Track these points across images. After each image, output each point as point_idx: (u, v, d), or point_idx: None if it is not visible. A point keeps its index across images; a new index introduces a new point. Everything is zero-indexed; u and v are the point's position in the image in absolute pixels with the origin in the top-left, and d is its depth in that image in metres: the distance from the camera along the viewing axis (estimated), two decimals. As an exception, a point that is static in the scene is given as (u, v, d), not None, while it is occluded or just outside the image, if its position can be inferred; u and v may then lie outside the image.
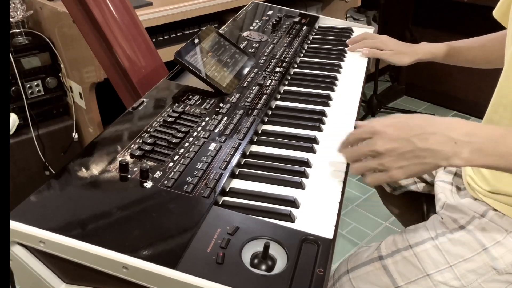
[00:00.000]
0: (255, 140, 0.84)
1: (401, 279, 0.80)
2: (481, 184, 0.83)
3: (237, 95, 0.94)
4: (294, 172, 0.76)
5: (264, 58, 1.12)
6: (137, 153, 0.72)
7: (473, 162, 0.62)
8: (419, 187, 1.17)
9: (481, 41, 1.11)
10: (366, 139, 0.69)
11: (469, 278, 0.78)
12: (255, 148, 0.83)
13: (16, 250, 0.59)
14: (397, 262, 0.82)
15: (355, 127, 0.75)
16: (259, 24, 1.34)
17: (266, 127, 0.90)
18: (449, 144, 0.62)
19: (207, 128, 0.81)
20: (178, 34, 1.72)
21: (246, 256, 0.58)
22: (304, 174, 0.75)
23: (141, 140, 0.76)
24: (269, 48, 1.18)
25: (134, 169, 0.69)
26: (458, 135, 0.63)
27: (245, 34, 1.24)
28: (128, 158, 0.72)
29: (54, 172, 1.77)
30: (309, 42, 1.32)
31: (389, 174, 0.67)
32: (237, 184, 0.74)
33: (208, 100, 0.90)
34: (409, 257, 0.81)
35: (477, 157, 0.62)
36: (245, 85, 0.99)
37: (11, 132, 1.45)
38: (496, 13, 0.94)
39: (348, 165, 0.80)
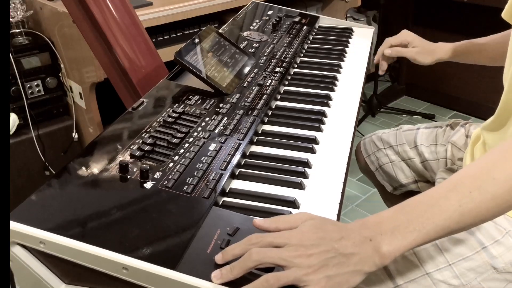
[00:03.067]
0: (255, 141, 0.84)
1: (401, 278, 0.80)
2: None
3: (237, 95, 0.94)
4: (294, 173, 0.76)
5: (264, 58, 1.12)
6: (137, 153, 0.72)
7: (393, 254, 0.56)
8: (420, 186, 1.17)
9: (499, 39, 1.09)
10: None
11: (468, 276, 0.78)
12: (255, 149, 0.83)
13: (16, 251, 0.59)
14: (397, 261, 0.82)
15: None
16: (259, 24, 1.34)
17: (266, 127, 0.90)
18: (365, 243, 0.56)
19: (207, 129, 0.81)
20: (178, 34, 1.72)
21: (246, 257, 0.58)
22: (304, 175, 0.75)
23: (141, 140, 0.76)
24: (269, 48, 1.18)
25: (134, 170, 0.69)
26: (370, 231, 0.57)
27: (245, 34, 1.24)
28: (128, 159, 0.72)
29: (54, 172, 1.77)
30: (309, 42, 1.32)
31: (307, 281, 0.53)
32: (237, 184, 0.73)
33: (208, 100, 0.90)
34: (408, 256, 0.81)
35: (394, 246, 0.56)
36: (245, 85, 0.99)
37: (11, 132, 1.46)
38: (505, 15, 0.93)
39: (348, 165, 0.80)
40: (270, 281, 0.52)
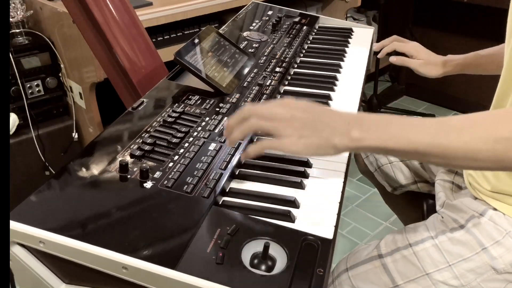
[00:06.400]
0: (255, 140, 0.84)
1: (400, 278, 0.80)
2: (482, 183, 0.83)
3: (237, 95, 0.94)
4: (294, 172, 0.76)
5: (264, 58, 1.12)
6: (137, 153, 0.72)
7: (362, 141, 0.63)
8: (420, 186, 1.17)
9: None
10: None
11: (468, 277, 0.78)
12: (255, 148, 0.82)
13: (16, 251, 0.59)
14: (397, 260, 0.82)
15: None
16: (259, 24, 1.34)
17: (266, 127, 0.90)
18: (343, 123, 0.64)
19: (207, 128, 0.81)
20: (178, 34, 1.72)
21: (246, 256, 0.58)
22: (304, 174, 0.75)
23: (141, 140, 0.76)
24: (269, 48, 1.18)
25: (134, 169, 0.69)
26: (351, 118, 0.65)
27: (245, 34, 1.24)
28: (128, 158, 0.72)
29: (54, 172, 1.77)
30: (309, 42, 1.32)
31: (284, 141, 0.64)
32: (237, 184, 0.74)
33: (208, 100, 0.90)
34: (408, 256, 0.81)
35: (366, 136, 0.63)
36: (245, 85, 0.99)
37: (11, 132, 1.46)
38: None
39: (348, 165, 0.80)
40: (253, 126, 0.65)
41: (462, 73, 1.16)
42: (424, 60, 1.17)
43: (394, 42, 1.22)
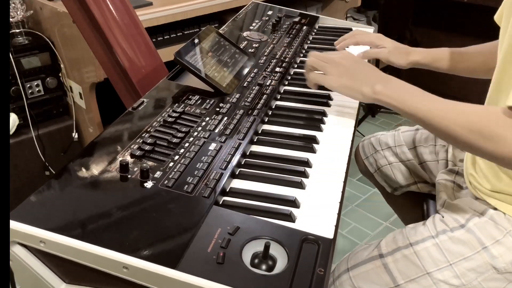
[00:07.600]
0: (255, 140, 0.84)
1: (401, 277, 0.81)
2: (483, 182, 0.83)
3: (237, 95, 0.94)
4: (294, 172, 0.76)
5: (264, 58, 1.12)
6: (137, 153, 0.72)
7: (379, 95, 0.81)
8: (419, 187, 1.17)
9: (480, 48, 1.05)
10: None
11: (469, 276, 0.78)
12: (255, 148, 0.83)
13: (16, 250, 0.59)
14: (398, 260, 0.82)
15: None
16: (259, 24, 1.34)
17: (266, 127, 0.90)
18: (375, 78, 0.83)
19: (207, 128, 0.81)
20: (178, 34, 1.72)
21: (247, 256, 0.58)
22: (304, 174, 0.75)
23: (141, 140, 0.76)
24: (269, 48, 1.18)
25: (135, 169, 0.69)
26: (382, 76, 0.84)
27: (245, 34, 1.24)
28: (128, 158, 0.72)
29: (54, 172, 1.77)
30: (309, 42, 1.32)
31: (328, 77, 0.88)
32: (237, 184, 0.74)
33: (208, 100, 0.90)
34: (409, 255, 0.81)
35: (383, 92, 0.81)
36: (245, 85, 0.99)
37: (11, 132, 1.46)
38: (497, 18, 0.93)
39: (348, 165, 0.80)
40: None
41: (430, 67, 1.11)
42: (391, 49, 1.11)
43: (356, 35, 1.18)
